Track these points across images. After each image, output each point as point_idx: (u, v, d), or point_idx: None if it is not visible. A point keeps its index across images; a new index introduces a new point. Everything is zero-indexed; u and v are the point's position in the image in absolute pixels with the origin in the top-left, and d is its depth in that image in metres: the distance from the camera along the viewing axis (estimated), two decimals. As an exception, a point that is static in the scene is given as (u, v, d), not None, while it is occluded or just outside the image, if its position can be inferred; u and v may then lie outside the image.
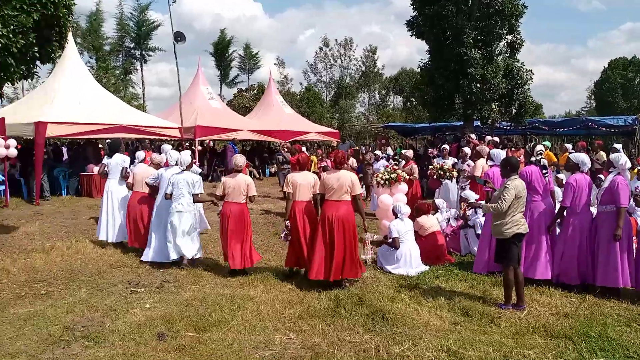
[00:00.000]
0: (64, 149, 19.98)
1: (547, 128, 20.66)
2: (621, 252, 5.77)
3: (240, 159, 6.89)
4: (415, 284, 6.35)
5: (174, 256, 7.15)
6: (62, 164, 16.42)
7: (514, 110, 17.83)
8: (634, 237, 6.18)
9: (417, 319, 5.11)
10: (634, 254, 5.93)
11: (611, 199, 5.80)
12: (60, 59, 17.22)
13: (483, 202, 5.70)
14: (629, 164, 6.08)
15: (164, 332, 4.77)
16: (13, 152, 12.41)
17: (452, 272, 6.89)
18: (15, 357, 4.25)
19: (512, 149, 12.95)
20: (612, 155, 6.13)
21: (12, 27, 7.21)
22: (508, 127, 19.86)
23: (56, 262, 7.26)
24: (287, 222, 6.48)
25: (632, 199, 6.83)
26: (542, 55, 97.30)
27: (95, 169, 15.07)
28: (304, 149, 14.94)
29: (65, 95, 15.09)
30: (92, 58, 41.26)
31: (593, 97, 53.19)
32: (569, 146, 11.97)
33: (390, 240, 7.14)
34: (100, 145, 19.56)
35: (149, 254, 7.39)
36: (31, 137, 14.27)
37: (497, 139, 13.78)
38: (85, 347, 4.47)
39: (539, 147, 7.06)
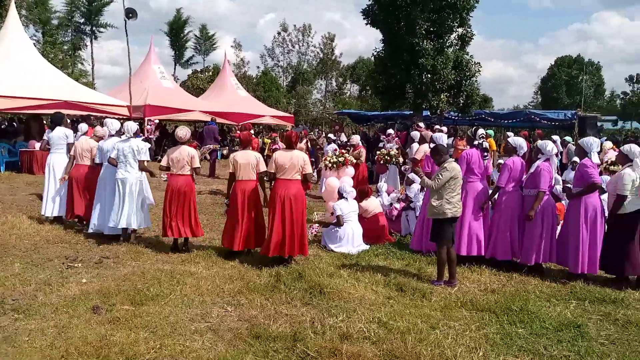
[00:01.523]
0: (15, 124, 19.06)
1: (492, 119, 21.44)
2: (538, 232, 6.16)
3: (181, 132, 6.81)
4: (355, 262, 6.55)
5: (120, 225, 7.01)
6: (3, 139, 15.69)
7: (461, 101, 18.39)
8: (560, 220, 6.61)
9: (353, 294, 5.28)
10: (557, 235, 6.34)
11: (534, 182, 6.16)
12: (2, 30, 16.45)
13: (425, 178, 5.90)
14: (555, 150, 6.45)
15: (99, 306, 4.73)
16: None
17: (391, 251, 7.14)
18: (-62, 329, 4.13)
19: (458, 137, 13.38)
20: (540, 142, 6.50)
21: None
22: (456, 117, 20.47)
23: (-11, 237, 7.01)
24: (226, 200, 6.66)
25: (561, 186, 7.27)
26: (494, 51, 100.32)
27: (37, 145, 14.54)
28: (251, 132, 14.88)
29: (7, 69, 14.43)
30: (38, 32, 39.55)
31: (539, 92, 55.37)
32: (511, 134, 12.52)
33: (335, 220, 7.31)
34: (44, 122, 18.82)
35: (93, 225, 7.28)
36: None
37: (444, 128, 14.21)
38: (15, 320, 4.37)
39: (481, 131, 7.37)
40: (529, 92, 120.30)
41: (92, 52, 44.05)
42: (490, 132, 14.56)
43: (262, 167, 6.53)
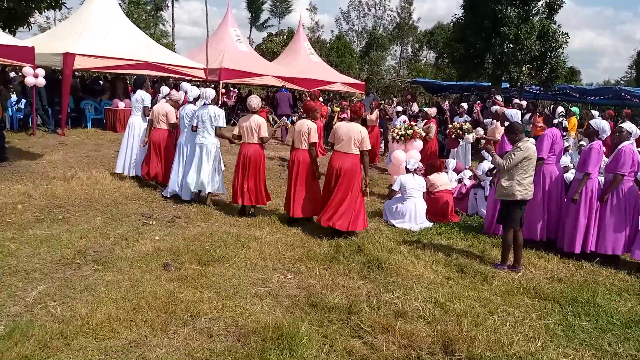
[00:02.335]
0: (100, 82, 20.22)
1: (578, 95, 20.04)
2: (618, 220, 5.79)
3: (254, 100, 6.96)
4: (417, 239, 6.50)
5: (194, 188, 7.37)
6: (89, 97, 16.71)
7: (544, 75, 17.31)
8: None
9: (412, 271, 5.27)
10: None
11: (614, 166, 5.75)
12: (88, -9, 17.25)
13: (497, 156, 5.65)
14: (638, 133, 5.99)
15: (169, 263, 5.05)
16: (41, 81, 12.65)
17: (455, 230, 7.01)
18: (29, 274, 4.58)
19: (537, 114, 12.66)
20: (626, 124, 6.02)
21: (41, -46, 7.22)
22: (537, 92, 19.34)
23: (75, 191, 7.60)
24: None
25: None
26: (586, 18, 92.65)
27: (120, 104, 15.39)
28: (320, 99, 14.87)
29: (94, 28, 15.16)
30: (123, -9, 40.93)
31: (634, 67, 50.85)
32: (596, 113, 11.67)
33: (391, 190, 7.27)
34: (128, 82, 19.79)
35: (169, 189, 7.62)
36: (59, 68, 14.52)
37: (524, 102, 13.50)
38: (95, 270, 4.77)
39: (560, 109, 6.93)
40: (623, 65, 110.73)
41: (172, 13, 45.35)
42: (575, 109, 13.60)
43: (313, 139, 6.51)
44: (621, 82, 51.80)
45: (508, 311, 4.49)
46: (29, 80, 12.31)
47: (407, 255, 5.74)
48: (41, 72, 12.61)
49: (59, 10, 9.48)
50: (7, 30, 8.26)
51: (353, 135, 6.13)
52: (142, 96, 8.69)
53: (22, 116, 13.83)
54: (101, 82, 20.03)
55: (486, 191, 7.77)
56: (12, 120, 13.61)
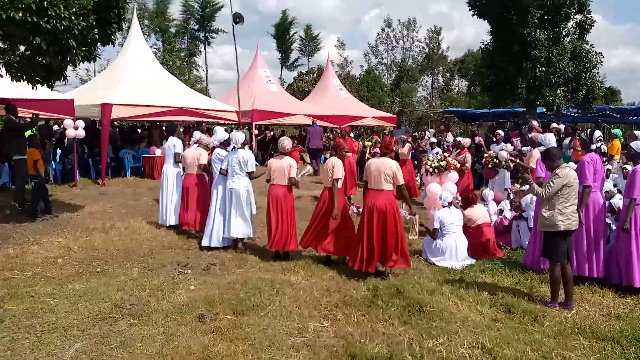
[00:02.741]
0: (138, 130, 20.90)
1: (618, 116, 19.36)
2: None
3: (286, 142, 6.96)
4: (459, 278, 6.23)
5: (227, 235, 7.34)
6: (128, 145, 17.24)
7: (581, 96, 16.84)
8: None
9: (456, 314, 5.02)
10: None
11: None
12: (126, 41, 18.07)
13: (535, 185, 5.39)
14: None
15: (204, 314, 4.97)
16: (81, 132, 13.11)
17: (499, 266, 6.69)
18: (67, 331, 4.58)
19: (577, 137, 12.23)
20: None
21: (73, 9, 7.50)
22: (576, 115, 18.80)
23: (113, 242, 7.71)
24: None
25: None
26: (621, 36, 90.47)
27: (157, 151, 15.78)
28: (351, 134, 14.86)
29: (130, 78, 15.76)
30: (158, 40, 42.81)
31: (677, 80, 49.03)
32: (638, 133, 11.15)
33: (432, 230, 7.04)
34: (164, 128, 20.38)
35: (207, 238, 7.50)
36: (98, 119, 15.09)
37: (562, 126, 13.11)
38: (130, 325, 4.73)
39: (597, 133, 6.63)
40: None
41: (205, 58, 46.91)
42: (617, 131, 13.06)
43: (336, 175, 6.38)
44: (664, 98, 49.89)
45: (563, 355, 4.18)
46: (70, 133, 12.79)
47: (450, 296, 5.48)
48: (81, 123, 13.10)
49: (94, 62, 9.83)
50: (45, 85, 8.59)
51: (383, 170, 6.00)
52: (173, 143, 8.85)
53: (61, 168, 14.29)
54: (139, 130, 20.69)
55: (529, 222, 7.44)
56: (55, 173, 14.10)
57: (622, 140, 12.52)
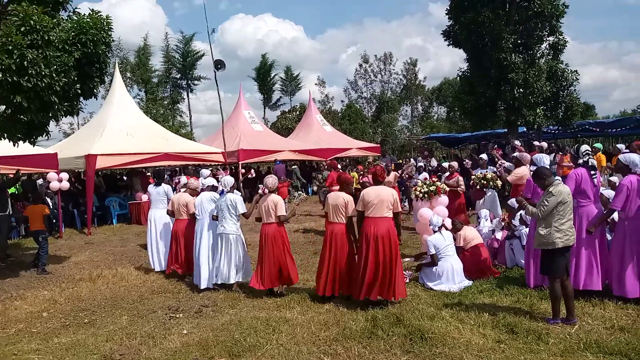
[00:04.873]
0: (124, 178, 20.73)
1: (598, 129, 19.70)
2: None
3: (270, 180, 6.88)
4: (458, 301, 6.09)
5: (219, 280, 7.18)
6: (115, 194, 17.05)
7: (560, 114, 17.16)
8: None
9: (458, 338, 4.86)
10: None
11: None
12: (109, 94, 18.15)
13: (530, 206, 5.37)
14: None
15: (198, 359, 4.76)
16: (65, 185, 12.97)
17: (497, 286, 6.57)
18: (54, 387, 4.34)
19: (560, 153, 12.36)
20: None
21: (54, 67, 7.51)
22: (556, 131, 19.10)
23: (101, 290, 7.46)
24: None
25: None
26: (592, 55, 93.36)
27: (144, 197, 15.60)
28: (339, 166, 14.87)
29: (114, 128, 15.73)
30: (141, 90, 43.02)
31: (650, 93, 50.29)
32: (622, 146, 11.30)
33: (428, 258, 6.92)
34: (148, 174, 20.25)
35: (199, 281, 7.34)
36: (83, 170, 14.93)
37: (544, 144, 13.26)
38: (121, 376, 4.51)
39: (585, 147, 6.66)
40: (636, 94, 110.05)
41: (189, 104, 47.16)
42: (599, 145, 13.23)
43: (351, 210, 6.31)
44: (638, 110, 51.12)
45: (573, 373, 4.03)
46: (54, 185, 12.63)
47: (451, 321, 5.33)
48: (65, 176, 12.96)
49: (77, 116, 9.80)
50: (27, 141, 8.49)
51: (385, 198, 5.93)
52: (165, 189, 8.79)
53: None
54: (125, 178, 20.52)
55: (522, 240, 7.38)
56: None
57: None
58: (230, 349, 4.94)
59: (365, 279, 5.88)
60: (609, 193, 6.86)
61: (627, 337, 4.68)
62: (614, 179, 8.26)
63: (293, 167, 23.22)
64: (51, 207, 12.82)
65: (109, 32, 8.33)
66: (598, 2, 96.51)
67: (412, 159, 15.53)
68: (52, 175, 12.69)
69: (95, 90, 8.79)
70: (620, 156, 6.15)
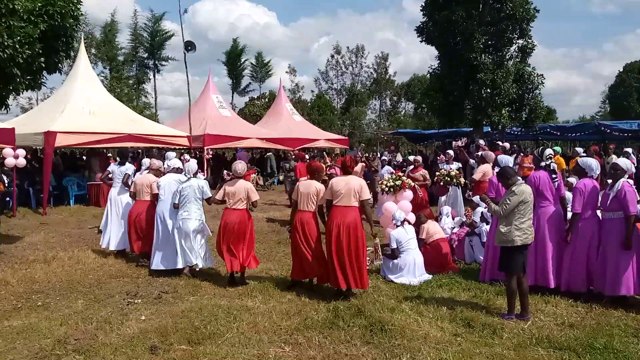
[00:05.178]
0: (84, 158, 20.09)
1: (558, 133, 20.34)
2: (629, 260, 5.57)
3: (239, 166, 6.80)
4: (417, 294, 6.20)
5: (180, 264, 7.07)
6: (74, 174, 16.52)
7: (524, 116, 17.60)
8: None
9: (417, 331, 4.95)
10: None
11: (620, 205, 5.59)
12: (73, 69, 17.50)
13: (492, 204, 5.50)
14: (631, 167, 5.91)
15: (157, 345, 4.67)
16: (22, 162, 12.49)
17: (455, 281, 6.73)
18: (3, 371, 4.20)
19: (522, 154, 12.70)
20: (617, 159, 5.94)
21: (18, 37, 7.20)
22: (519, 133, 19.60)
23: (56, 273, 7.23)
24: (288, 227, 6.64)
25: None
26: (556, 60, 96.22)
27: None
28: (307, 156, 14.86)
29: (76, 105, 15.19)
30: (106, 68, 41.83)
31: (607, 101, 52.33)
32: (580, 150, 11.72)
33: (389, 251, 7.01)
34: (109, 155, 19.70)
35: (157, 263, 7.26)
36: (41, 147, 14.39)
37: (507, 145, 13.57)
38: (75, 361, 4.39)
39: (548, 151, 6.85)
40: (595, 101, 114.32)
41: (154, 85, 46.11)
42: (558, 148, 13.64)
43: (322, 200, 6.32)
44: (596, 117, 53.09)
45: (525, 367, 4.17)
46: (9, 162, 12.14)
47: (410, 314, 5.43)
48: (21, 152, 12.47)
49: (38, 90, 9.45)
50: (-17, 114, 8.15)
51: (353, 187, 5.96)
52: (127, 167, 8.55)
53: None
54: (84, 158, 19.90)
55: (482, 237, 7.56)
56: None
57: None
58: (189, 336, 4.87)
59: (335, 267, 5.92)
60: (568, 195, 7.11)
61: (575, 333, 4.88)
62: (572, 180, 8.54)
63: (268, 154, 23.10)
64: (6, 184, 12.35)
65: (77, 4, 8.04)
66: (564, 8, 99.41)
67: (378, 153, 15.62)
68: (8, 151, 12.17)
69: (60, 65, 8.50)
70: (579, 160, 6.40)
